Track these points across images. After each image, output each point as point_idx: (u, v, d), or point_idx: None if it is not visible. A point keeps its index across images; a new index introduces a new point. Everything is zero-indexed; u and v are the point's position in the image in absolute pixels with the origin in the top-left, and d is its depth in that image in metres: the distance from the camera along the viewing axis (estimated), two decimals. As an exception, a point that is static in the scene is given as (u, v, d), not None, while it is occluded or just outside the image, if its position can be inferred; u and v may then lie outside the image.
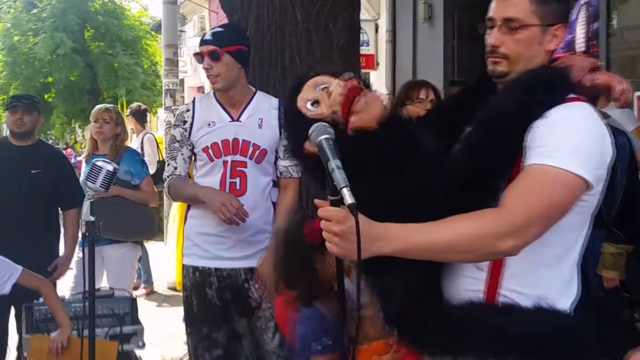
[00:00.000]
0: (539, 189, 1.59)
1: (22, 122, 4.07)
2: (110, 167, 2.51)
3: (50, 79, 14.89)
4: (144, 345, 3.56)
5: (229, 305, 3.00)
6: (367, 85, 1.76)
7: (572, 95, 1.74)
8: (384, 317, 1.83)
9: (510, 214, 1.58)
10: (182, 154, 3.04)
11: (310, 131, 1.56)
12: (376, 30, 9.84)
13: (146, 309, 6.37)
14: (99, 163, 2.55)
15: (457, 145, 1.68)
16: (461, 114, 1.77)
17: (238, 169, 2.91)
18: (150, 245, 7.37)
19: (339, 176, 1.47)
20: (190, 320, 3.02)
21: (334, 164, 1.49)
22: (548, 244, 1.68)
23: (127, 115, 7.18)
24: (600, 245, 3.71)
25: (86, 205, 2.46)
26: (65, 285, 4.41)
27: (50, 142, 18.59)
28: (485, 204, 1.63)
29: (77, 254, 4.51)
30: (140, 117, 7.34)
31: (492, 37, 1.78)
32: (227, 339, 3.01)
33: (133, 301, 3.63)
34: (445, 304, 1.77)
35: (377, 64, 9.82)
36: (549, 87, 1.69)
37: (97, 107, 4.72)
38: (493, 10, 1.79)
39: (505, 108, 1.67)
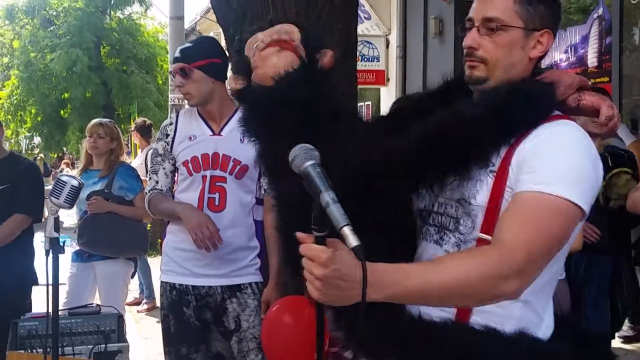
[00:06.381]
0: (537, 221, 1.43)
1: None
2: (75, 182, 2.44)
3: (66, 95, 15.01)
4: (128, 364, 3.48)
5: (209, 325, 2.90)
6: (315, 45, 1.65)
7: (557, 113, 1.59)
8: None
9: (512, 251, 1.40)
10: (164, 168, 2.98)
11: (290, 156, 1.31)
12: (387, 46, 9.77)
13: (148, 324, 6.31)
14: (64, 178, 2.48)
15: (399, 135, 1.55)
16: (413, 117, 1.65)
17: (217, 184, 2.83)
18: (153, 260, 7.33)
19: (337, 212, 1.21)
20: (168, 340, 2.91)
21: (328, 196, 1.23)
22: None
23: (132, 130, 7.07)
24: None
25: (50, 221, 2.39)
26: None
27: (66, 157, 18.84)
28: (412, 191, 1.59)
29: (70, 269, 4.47)
30: (145, 132, 7.31)
31: (468, 38, 1.62)
32: (207, 360, 2.91)
33: (120, 318, 3.53)
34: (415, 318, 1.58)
35: (388, 79, 9.75)
36: (531, 102, 1.52)
37: (92, 121, 4.68)
38: (473, 10, 1.64)
39: (477, 116, 1.51)
